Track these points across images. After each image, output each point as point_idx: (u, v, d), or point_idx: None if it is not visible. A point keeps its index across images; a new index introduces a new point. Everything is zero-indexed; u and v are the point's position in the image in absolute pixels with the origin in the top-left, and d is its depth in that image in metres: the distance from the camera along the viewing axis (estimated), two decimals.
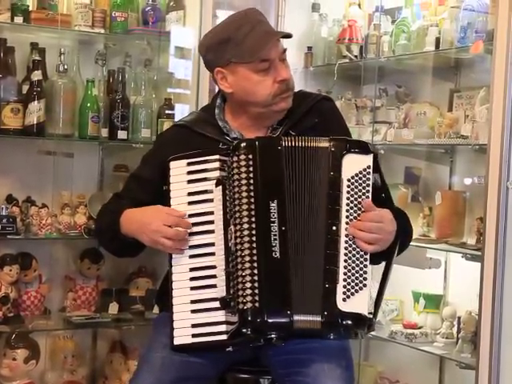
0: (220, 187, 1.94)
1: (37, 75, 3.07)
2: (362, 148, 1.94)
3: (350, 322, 1.85)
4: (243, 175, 1.90)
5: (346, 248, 1.88)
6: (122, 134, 3.24)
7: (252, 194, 1.89)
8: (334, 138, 1.95)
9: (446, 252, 3.05)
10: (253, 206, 1.88)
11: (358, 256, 1.88)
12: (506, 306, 2.54)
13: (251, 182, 1.90)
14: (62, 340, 3.30)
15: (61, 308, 3.35)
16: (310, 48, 3.54)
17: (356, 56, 3.38)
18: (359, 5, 3.46)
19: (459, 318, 2.93)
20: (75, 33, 3.22)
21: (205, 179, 1.97)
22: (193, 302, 1.93)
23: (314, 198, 1.92)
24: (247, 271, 1.84)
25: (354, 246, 1.88)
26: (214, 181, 1.95)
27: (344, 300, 1.85)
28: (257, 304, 1.82)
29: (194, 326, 1.92)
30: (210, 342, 1.90)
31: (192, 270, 1.95)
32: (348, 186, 1.90)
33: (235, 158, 1.93)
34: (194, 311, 1.93)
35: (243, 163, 1.91)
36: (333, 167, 1.91)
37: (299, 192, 1.92)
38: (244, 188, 1.89)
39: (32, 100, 3.06)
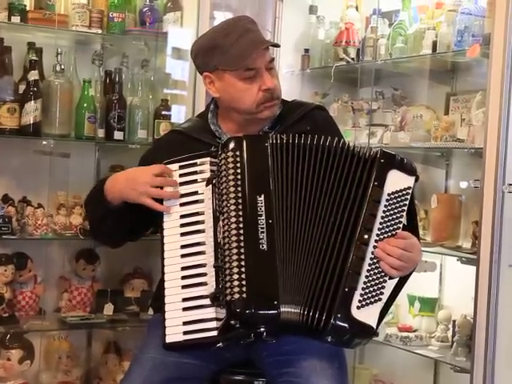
0: (210, 186, 1.97)
1: (33, 75, 3.07)
2: (409, 168, 1.96)
3: (357, 331, 1.87)
4: (231, 171, 1.93)
5: (371, 258, 1.89)
6: (118, 135, 3.24)
7: (239, 188, 1.92)
8: (384, 151, 1.97)
9: (442, 255, 3.06)
10: (240, 201, 1.90)
11: (380, 269, 1.90)
12: (501, 310, 2.54)
13: (238, 177, 1.92)
14: (56, 340, 3.30)
15: (56, 308, 3.34)
16: (306, 50, 3.55)
17: (353, 59, 3.38)
18: (356, 7, 3.47)
19: (454, 321, 2.93)
20: (72, 33, 3.22)
21: (195, 181, 2.01)
22: (184, 299, 1.95)
23: (320, 197, 1.93)
24: (234, 263, 1.86)
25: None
26: (205, 182, 1.99)
27: (358, 308, 1.86)
28: (244, 295, 1.83)
29: (185, 323, 1.93)
30: (201, 338, 1.91)
31: (183, 268, 1.97)
32: (387, 200, 1.92)
33: (223, 155, 1.96)
34: (185, 309, 1.94)
35: (231, 160, 1.94)
36: (377, 177, 1.92)
37: (291, 187, 1.94)
38: (231, 183, 1.92)
39: (28, 100, 3.05)
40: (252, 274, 1.85)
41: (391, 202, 1.92)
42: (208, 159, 2.00)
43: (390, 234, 1.91)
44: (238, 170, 1.93)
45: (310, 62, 3.56)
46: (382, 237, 1.90)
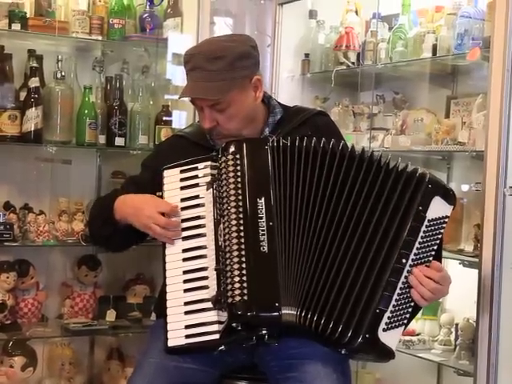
0: (211, 190, 1.98)
1: (34, 82, 3.07)
2: (451, 197, 1.96)
3: (379, 353, 1.88)
4: (231, 174, 1.94)
5: (403, 283, 1.89)
6: (119, 141, 3.25)
7: (240, 191, 1.92)
8: (431, 175, 1.95)
9: (444, 259, 3.04)
10: (240, 203, 1.91)
11: (409, 294, 1.90)
12: (504, 313, 2.54)
13: (239, 180, 1.93)
14: (59, 347, 3.29)
15: (58, 315, 3.35)
16: (307, 55, 3.55)
17: (353, 63, 3.38)
18: (356, 12, 3.46)
19: (457, 324, 2.93)
20: (73, 40, 3.23)
21: (197, 185, 2.01)
22: (186, 303, 1.95)
23: (338, 202, 1.92)
24: (235, 266, 1.86)
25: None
26: (206, 186, 1.99)
27: (384, 330, 1.86)
28: (245, 297, 1.83)
29: (187, 327, 1.93)
30: (203, 342, 1.91)
31: (185, 272, 1.97)
32: (426, 227, 1.91)
33: (223, 159, 1.97)
34: (187, 312, 1.94)
35: (231, 163, 1.95)
36: (422, 202, 1.91)
37: (296, 190, 1.93)
38: (232, 186, 1.92)
39: (29, 107, 3.06)
40: (253, 276, 1.85)
41: (430, 228, 1.91)
42: (209, 163, 2.01)
43: (423, 260, 1.91)
44: (239, 173, 1.93)
45: (311, 66, 3.55)
46: (416, 262, 1.90)
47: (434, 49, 2.99)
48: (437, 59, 3.03)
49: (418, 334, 3.13)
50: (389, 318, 1.86)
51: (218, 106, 2.04)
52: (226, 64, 2.01)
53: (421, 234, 1.90)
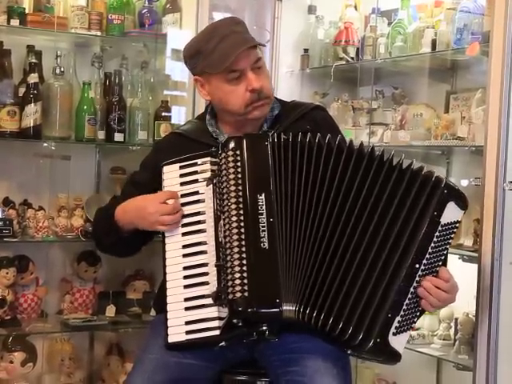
0: (211, 186, 1.98)
1: (33, 78, 3.07)
2: (464, 202, 1.97)
3: (388, 357, 1.89)
4: (231, 170, 1.94)
5: (414, 287, 1.90)
6: (118, 137, 3.25)
7: (240, 187, 1.92)
8: (448, 180, 1.95)
9: None
10: (241, 200, 1.91)
11: (418, 298, 1.91)
12: (503, 308, 2.54)
13: (239, 176, 1.93)
14: (59, 343, 3.30)
15: (58, 311, 3.35)
16: (306, 50, 3.54)
17: (352, 58, 3.38)
18: (355, 7, 3.46)
19: (456, 319, 2.93)
20: (72, 35, 3.22)
21: (196, 181, 2.02)
22: (186, 299, 1.96)
23: (344, 199, 1.92)
24: (236, 262, 1.86)
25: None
26: (205, 181, 1.99)
27: (394, 334, 1.87)
28: (246, 293, 1.84)
29: (187, 323, 1.94)
30: (204, 338, 1.91)
31: (185, 268, 1.98)
32: (439, 232, 1.91)
33: (223, 155, 1.97)
34: (187, 308, 1.95)
35: (231, 159, 1.95)
36: (437, 208, 1.92)
37: (297, 186, 1.93)
38: (232, 182, 1.93)
39: (28, 103, 3.05)
40: (253, 272, 1.85)
41: (442, 233, 1.92)
42: (208, 159, 2.01)
43: (434, 264, 1.92)
44: (239, 169, 1.93)
45: (310, 61, 3.55)
46: (427, 267, 1.91)
47: (434, 44, 2.98)
48: (436, 54, 3.02)
49: (417, 329, 3.13)
50: (399, 322, 1.87)
51: (259, 63, 2.09)
52: (246, 27, 2.13)
53: (434, 239, 1.91)
